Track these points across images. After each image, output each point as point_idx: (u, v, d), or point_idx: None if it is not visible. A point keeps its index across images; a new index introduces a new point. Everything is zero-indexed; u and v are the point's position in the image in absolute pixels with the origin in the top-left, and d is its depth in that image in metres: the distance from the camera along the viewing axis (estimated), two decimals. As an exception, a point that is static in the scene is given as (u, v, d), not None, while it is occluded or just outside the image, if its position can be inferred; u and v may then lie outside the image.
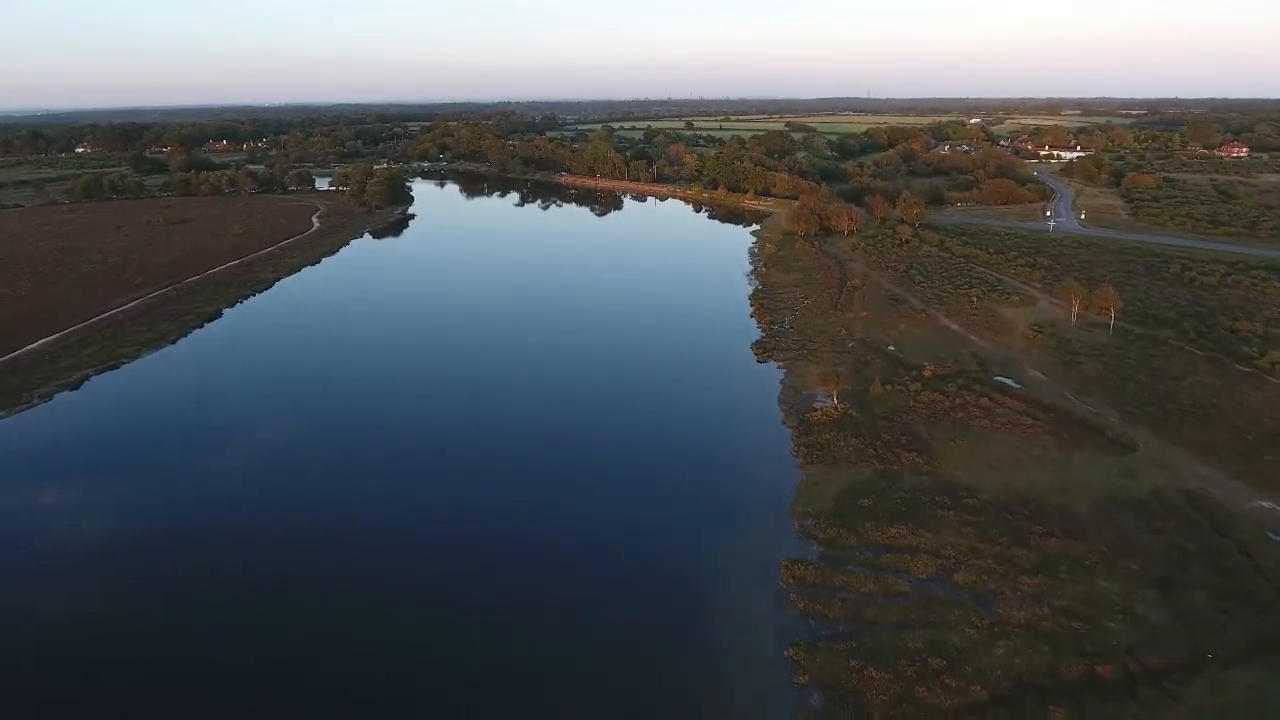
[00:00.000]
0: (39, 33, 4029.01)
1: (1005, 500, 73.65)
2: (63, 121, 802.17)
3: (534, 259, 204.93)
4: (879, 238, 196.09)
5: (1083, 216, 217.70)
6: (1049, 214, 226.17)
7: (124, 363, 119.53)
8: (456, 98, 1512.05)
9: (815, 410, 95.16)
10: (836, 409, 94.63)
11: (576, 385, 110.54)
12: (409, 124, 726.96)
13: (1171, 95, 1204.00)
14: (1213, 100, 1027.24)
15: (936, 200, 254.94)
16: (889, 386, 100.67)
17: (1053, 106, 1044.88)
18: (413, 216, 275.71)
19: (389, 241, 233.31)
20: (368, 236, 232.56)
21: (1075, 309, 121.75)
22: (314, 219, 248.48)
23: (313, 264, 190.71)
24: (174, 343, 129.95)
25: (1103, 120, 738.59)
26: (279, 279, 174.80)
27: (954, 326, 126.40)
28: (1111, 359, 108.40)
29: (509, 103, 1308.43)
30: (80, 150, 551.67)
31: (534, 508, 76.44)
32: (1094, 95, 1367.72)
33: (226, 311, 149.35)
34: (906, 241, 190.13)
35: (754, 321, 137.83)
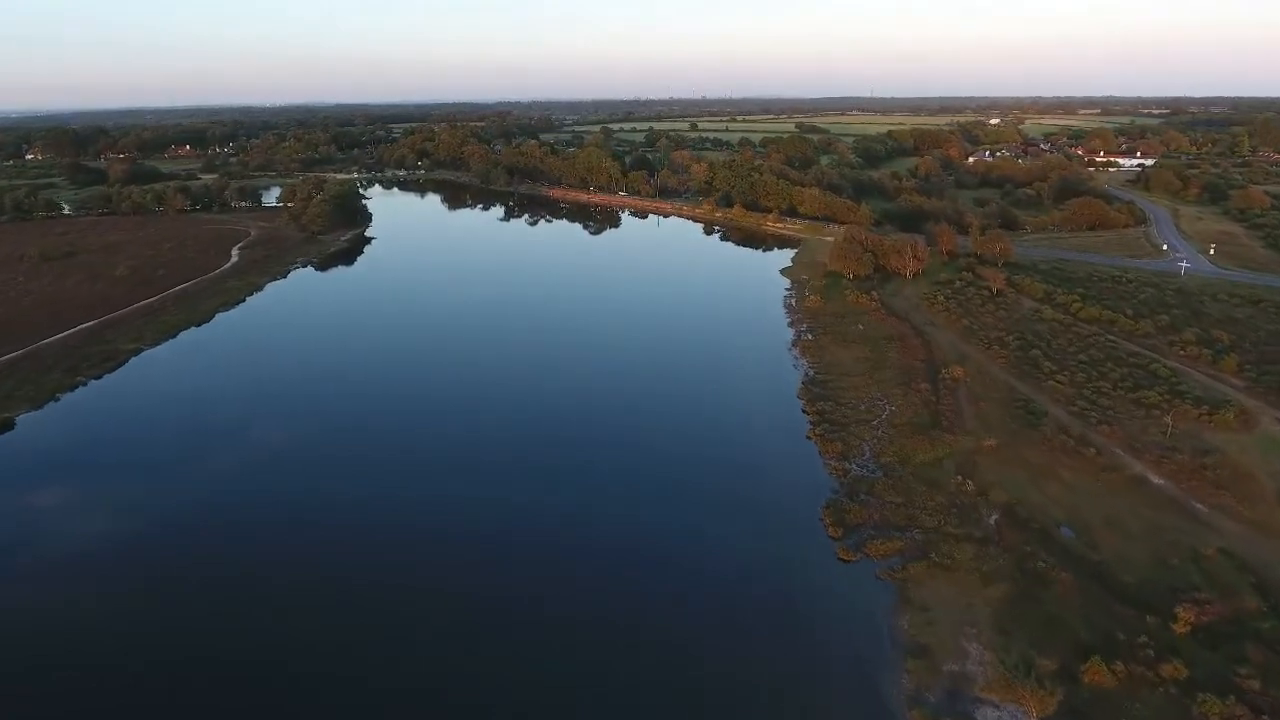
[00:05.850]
0: (39, 31, 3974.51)
1: None
2: (60, 122, 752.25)
3: (494, 317, 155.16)
4: (958, 285, 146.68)
5: (1211, 251, 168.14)
6: (1165, 246, 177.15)
7: None
8: (457, 98, 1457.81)
9: (996, 752, 46.49)
10: (1040, 749, 45.99)
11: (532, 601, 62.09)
12: (393, 126, 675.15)
13: (1182, 94, 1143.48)
14: (1227, 99, 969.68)
15: (1007, 224, 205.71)
16: (1119, 667, 51.80)
17: (1067, 105, 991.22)
18: (368, 241, 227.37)
19: (322, 281, 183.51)
20: (295, 274, 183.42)
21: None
22: (235, 250, 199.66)
23: (200, 323, 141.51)
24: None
25: (1126, 120, 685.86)
26: (140, 349, 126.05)
27: (1154, 478, 76.82)
28: None
29: (509, 103, 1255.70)
30: (30, 157, 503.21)
31: None
32: (1101, 94, 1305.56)
33: (24, 418, 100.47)
34: (1000, 292, 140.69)
35: (814, 445, 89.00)
